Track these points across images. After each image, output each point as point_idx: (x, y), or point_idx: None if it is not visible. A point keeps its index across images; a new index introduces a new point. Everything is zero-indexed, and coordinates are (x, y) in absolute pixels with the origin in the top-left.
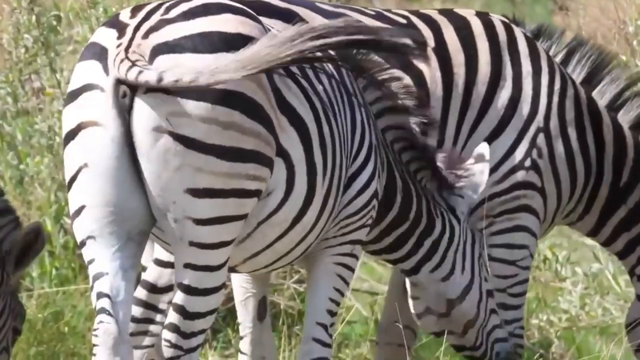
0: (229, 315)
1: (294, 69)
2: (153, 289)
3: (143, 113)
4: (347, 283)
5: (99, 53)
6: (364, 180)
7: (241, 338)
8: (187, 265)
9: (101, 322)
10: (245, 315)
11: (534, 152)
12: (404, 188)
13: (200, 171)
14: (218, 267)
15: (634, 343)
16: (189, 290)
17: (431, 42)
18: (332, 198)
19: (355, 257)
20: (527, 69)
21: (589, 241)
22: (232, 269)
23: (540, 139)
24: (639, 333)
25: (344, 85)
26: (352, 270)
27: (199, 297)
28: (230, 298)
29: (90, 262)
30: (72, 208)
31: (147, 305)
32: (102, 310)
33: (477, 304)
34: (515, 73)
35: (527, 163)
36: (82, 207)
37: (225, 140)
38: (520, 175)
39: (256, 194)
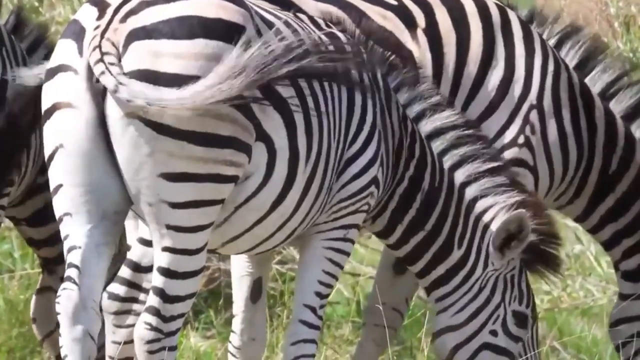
0: (211, 296)
1: None
2: (137, 268)
3: (114, 98)
4: (339, 266)
5: (78, 33)
6: (360, 166)
7: (234, 317)
8: (165, 249)
9: (64, 289)
10: (239, 295)
11: (527, 129)
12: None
13: (173, 156)
14: (197, 251)
15: (620, 339)
16: (168, 273)
17: (422, 22)
18: (317, 184)
19: (350, 241)
20: (520, 51)
21: (571, 222)
22: (213, 251)
23: (534, 116)
24: (622, 333)
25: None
26: (345, 253)
27: (178, 281)
28: (212, 279)
29: (66, 237)
30: (51, 186)
31: (130, 284)
32: (68, 279)
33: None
34: (507, 54)
35: (520, 140)
36: (60, 186)
37: (199, 126)
38: (512, 152)
39: (233, 179)
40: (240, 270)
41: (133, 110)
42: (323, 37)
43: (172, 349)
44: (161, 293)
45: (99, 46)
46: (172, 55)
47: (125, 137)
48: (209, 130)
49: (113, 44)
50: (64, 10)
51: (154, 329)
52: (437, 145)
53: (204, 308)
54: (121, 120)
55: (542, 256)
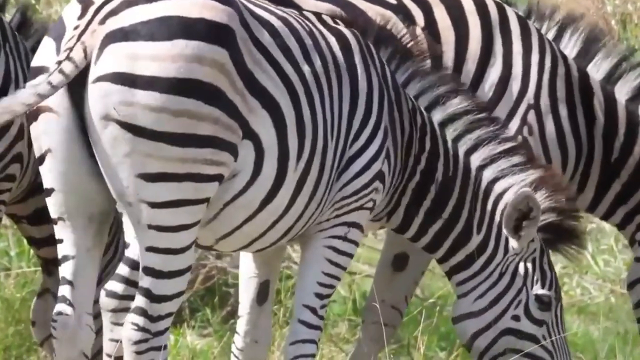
0: (208, 294)
1: (277, 49)
2: (135, 265)
3: (92, 101)
4: (340, 267)
5: (60, 32)
6: (363, 163)
7: (238, 318)
8: (150, 249)
9: (59, 313)
10: (245, 296)
11: (525, 129)
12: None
13: (151, 157)
14: (182, 250)
15: (636, 299)
16: (153, 273)
17: (421, 21)
18: (312, 183)
19: (351, 242)
20: (518, 48)
21: None
22: (208, 248)
23: (531, 116)
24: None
25: (348, 64)
26: (346, 254)
27: (164, 280)
28: (209, 277)
29: (59, 241)
30: (45, 188)
31: (128, 282)
32: (62, 299)
33: (480, 332)
34: (505, 51)
35: (518, 140)
36: (51, 190)
37: (176, 127)
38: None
39: (217, 177)
40: (248, 271)
41: (109, 112)
42: (328, 34)
43: (161, 348)
44: (147, 293)
45: (71, 49)
46: (149, 57)
47: (102, 139)
48: (186, 131)
49: (84, 50)
50: (60, 8)
51: (141, 329)
52: (451, 131)
53: (200, 306)
54: (99, 122)
55: (563, 233)
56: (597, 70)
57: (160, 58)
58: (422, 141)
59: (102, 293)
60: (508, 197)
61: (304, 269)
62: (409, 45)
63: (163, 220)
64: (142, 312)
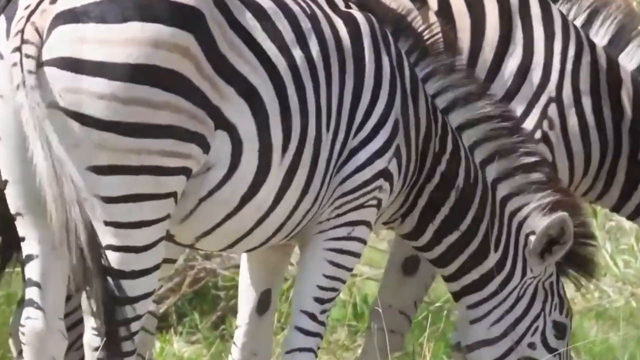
0: (196, 298)
1: (261, 32)
2: None
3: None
4: (343, 268)
5: (12, 12)
6: (365, 156)
7: (236, 328)
8: (108, 247)
9: (28, 317)
10: (245, 305)
11: (545, 124)
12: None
13: (101, 148)
14: (144, 248)
15: None
16: (113, 273)
17: (434, 5)
18: (303, 177)
19: (356, 239)
20: (539, 35)
21: None
22: (190, 247)
23: (552, 110)
24: None
25: (355, 51)
26: (351, 254)
27: (127, 281)
28: (197, 279)
29: (22, 239)
30: (2, 179)
31: None
32: (30, 303)
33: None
34: (526, 39)
35: (537, 135)
36: (6, 182)
37: (128, 116)
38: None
39: (182, 171)
40: (248, 277)
41: (54, 99)
42: (335, 18)
43: (129, 354)
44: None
45: (22, 31)
46: (99, 41)
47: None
48: (140, 120)
49: (37, 30)
50: None
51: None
52: (468, 138)
53: (188, 311)
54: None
55: (575, 259)
56: (629, 59)
57: (110, 42)
58: (443, 141)
59: (84, 295)
60: (522, 216)
61: (302, 271)
62: (430, 40)
63: (120, 217)
64: None
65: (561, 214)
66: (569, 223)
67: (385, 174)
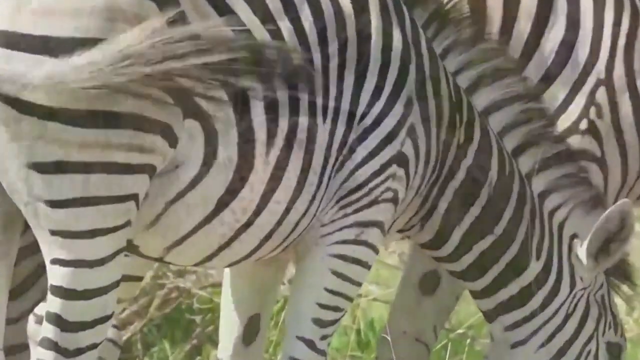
0: (167, 323)
1: (241, 3)
2: None
3: None
4: (351, 282)
5: None
6: (373, 144)
7: None
8: (55, 261)
9: None
10: (227, 333)
11: (592, 111)
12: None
13: (42, 141)
14: (99, 262)
15: None
16: (64, 293)
17: None
18: (294, 173)
19: (367, 245)
20: (587, 3)
21: None
22: (160, 260)
23: (601, 94)
24: None
25: (359, 24)
26: (360, 263)
27: (79, 302)
28: (167, 301)
29: None
30: None
31: None
32: None
33: None
34: (570, 8)
35: (583, 125)
36: None
37: (75, 101)
38: (573, 141)
39: (143, 169)
40: (232, 300)
41: None
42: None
43: None
44: (57, 320)
45: None
46: (40, 12)
47: None
48: (90, 107)
49: None
50: None
51: None
52: (497, 122)
53: (157, 339)
54: None
55: (620, 265)
56: None
57: (54, 12)
58: (469, 128)
59: (31, 319)
60: (561, 216)
61: (298, 287)
62: (449, 9)
63: (68, 224)
64: (52, 345)
65: (622, 202)
66: (631, 213)
67: (399, 158)
